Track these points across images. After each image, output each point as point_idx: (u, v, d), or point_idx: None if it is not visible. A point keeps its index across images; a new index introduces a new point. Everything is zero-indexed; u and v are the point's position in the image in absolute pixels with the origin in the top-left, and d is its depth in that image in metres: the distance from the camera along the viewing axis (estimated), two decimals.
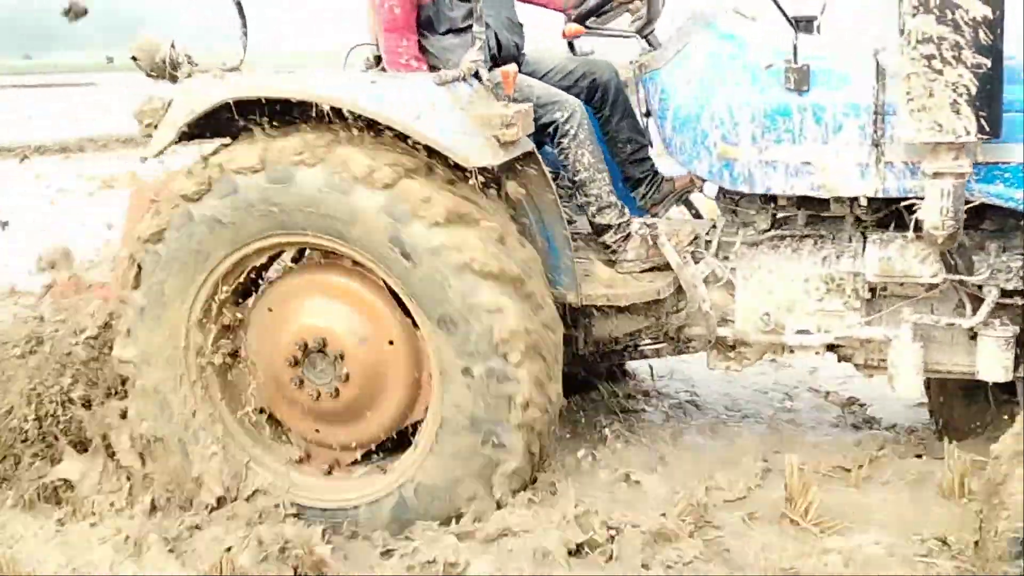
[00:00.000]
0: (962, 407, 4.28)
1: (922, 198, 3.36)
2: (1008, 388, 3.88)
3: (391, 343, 3.67)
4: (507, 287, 3.45)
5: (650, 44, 4.09)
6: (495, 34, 4.09)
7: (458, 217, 3.42)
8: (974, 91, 3.12)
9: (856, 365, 3.93)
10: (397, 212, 3.39)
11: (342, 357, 3.66)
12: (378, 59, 4.17)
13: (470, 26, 3.76)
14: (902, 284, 3.71)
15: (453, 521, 3.59)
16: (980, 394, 4.12)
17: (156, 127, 3.67)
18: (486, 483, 3.57)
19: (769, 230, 3.90)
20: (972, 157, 3.32)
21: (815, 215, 3.88)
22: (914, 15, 3.13)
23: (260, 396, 3.85)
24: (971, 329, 3.65)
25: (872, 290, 3.76)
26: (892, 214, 3.72)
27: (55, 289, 4.51)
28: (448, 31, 4.10)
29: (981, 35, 3.07)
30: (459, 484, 3.58)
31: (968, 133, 3.16)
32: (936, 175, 3.29)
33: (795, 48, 3.56)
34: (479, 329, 3.42)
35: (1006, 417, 3.75)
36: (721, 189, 3.96)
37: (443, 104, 3.51)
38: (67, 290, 4.44)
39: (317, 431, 3.84)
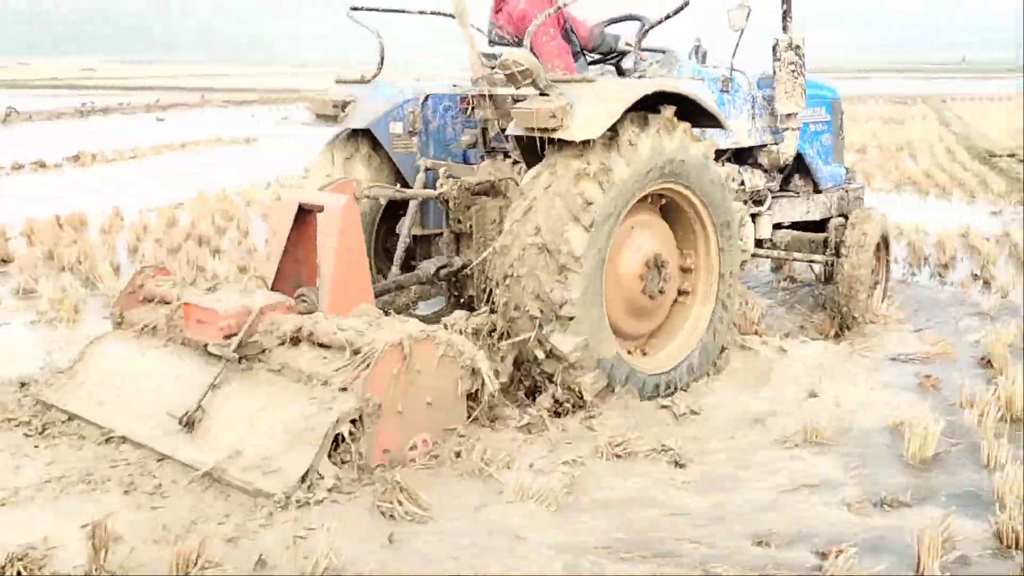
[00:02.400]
0: None
1: (776, 144, 6.59)
2: None
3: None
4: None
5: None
6: None
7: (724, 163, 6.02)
8: (804, 90, 6.36)
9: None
10: (708, 162, 5.33)
11: (664, 266, 5.30)
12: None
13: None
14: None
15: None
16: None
17: (566, 120, 4.71)
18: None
19: None
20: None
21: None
22: (785, 50, 6.25)
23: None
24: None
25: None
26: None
27: None
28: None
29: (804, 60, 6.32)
30: (716, 351, 5.64)
31: (801, 108, 6.40)
32: (791, 129, 6.52)
33: (730, 70, 6.33)
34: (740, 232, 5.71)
35: None
36: None
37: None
38: None
39: (638, 325, 5.40)
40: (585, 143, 4.76)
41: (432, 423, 4.44)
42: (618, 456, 4.45)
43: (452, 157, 6.16)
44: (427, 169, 5.92)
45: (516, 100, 5.36)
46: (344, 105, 5.82)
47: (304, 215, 5.15)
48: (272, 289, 5.10)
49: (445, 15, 6.17)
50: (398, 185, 5.93)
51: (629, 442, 4.53)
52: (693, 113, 5.25)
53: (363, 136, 5.98)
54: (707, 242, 5.56)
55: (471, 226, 5.61)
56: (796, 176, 7.05)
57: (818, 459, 4.47)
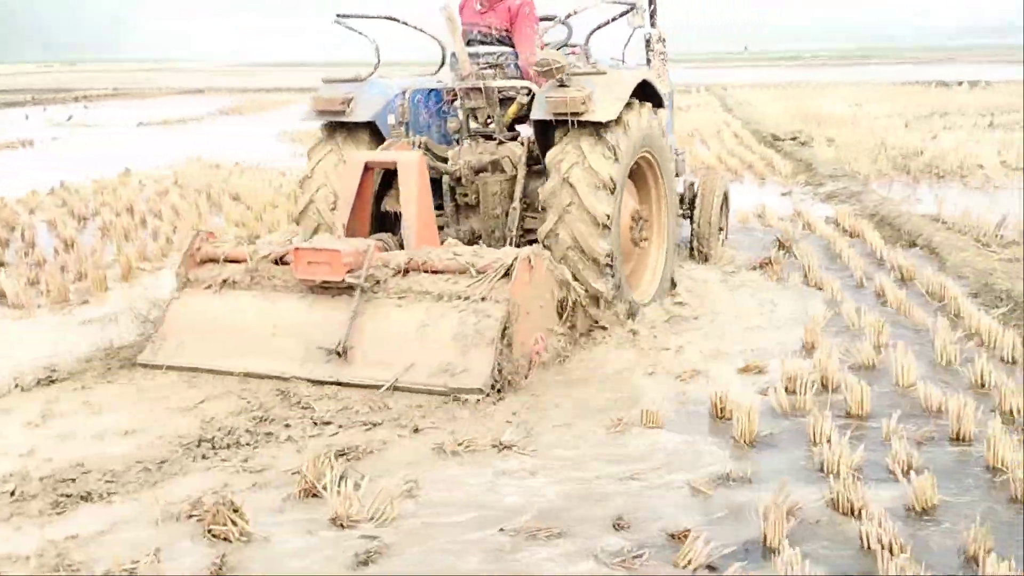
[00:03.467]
0: None
1: None
2: None
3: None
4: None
5: None
6: None
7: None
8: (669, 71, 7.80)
9: None
10: (661, 132, 6.74)
11: (643, 218, 6.70)
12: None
13: None
14: None
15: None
16: None
17: (590, 106, 5.89)
18: None
19: None
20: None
21: None
22: (657, 41, 7.68)
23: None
24: None
25: None
26: None
27: None
28: None
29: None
30: (668, 282, 7.04)
31: (669, 89, 7.71)
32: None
33: (622, 61, 7.88)
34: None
35: None
36: None
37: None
38: None
39: (627, 268, 6.51)
40: (599, 124, 5.95)
41: (542, 324, 5.49)
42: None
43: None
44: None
45: (501, 92, 6.68)
46: (348, 101, 6.55)
47: (365, 174, 6.16)
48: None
49: (420, 30, 7.10)
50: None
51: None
52: (645, 95, 6.53)
53: (363, 127, 6.71)
54: (659, 197, 6.93)
55: (476, 198, 6.59)
56: None
57: (657, 437, 4.53)
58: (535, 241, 6.10)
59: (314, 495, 3.93)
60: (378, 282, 5.45)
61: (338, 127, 6.74)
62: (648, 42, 7.60)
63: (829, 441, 4.31)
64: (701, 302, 6.94)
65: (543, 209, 6.09)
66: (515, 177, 6.53)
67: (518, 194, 6.47)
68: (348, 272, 5.40)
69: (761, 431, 4.55)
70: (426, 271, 5.49)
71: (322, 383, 5.19)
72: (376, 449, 4.45)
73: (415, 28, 7.01)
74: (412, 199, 5.96)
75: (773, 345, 5.87)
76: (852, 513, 3.74)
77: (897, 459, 4.13)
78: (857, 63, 66.04)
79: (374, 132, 6.73)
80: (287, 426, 4.74)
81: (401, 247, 5.92)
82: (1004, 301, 6.45)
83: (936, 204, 9.99)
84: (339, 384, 5.18)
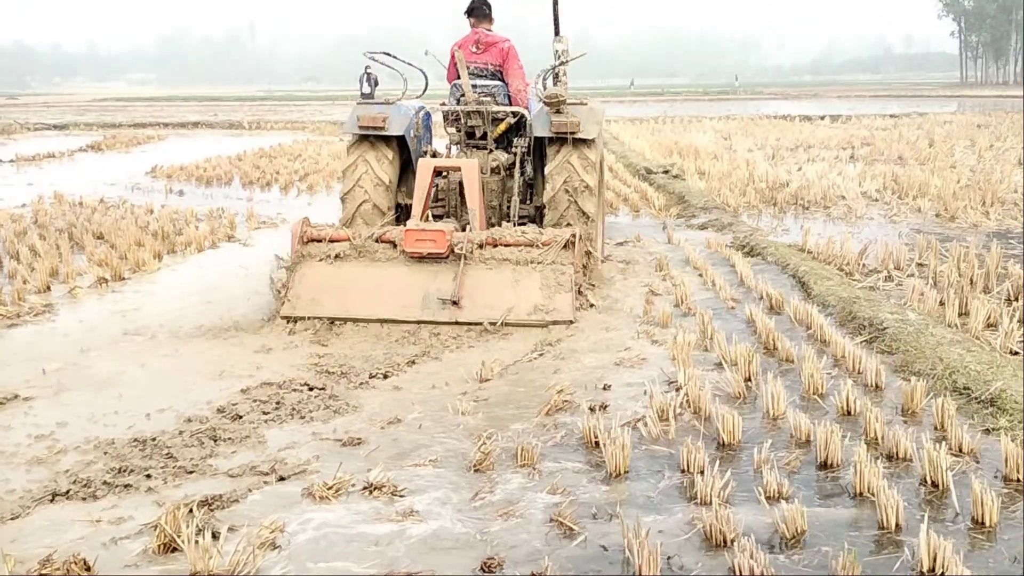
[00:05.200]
0: None
1: None
2: None
3: None
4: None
5: None
6: None
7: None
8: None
9: None
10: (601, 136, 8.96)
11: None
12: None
13: None
14: None
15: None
16: None
17: (581, 127, 8.09)
18: None
19: None
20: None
21: None
22: (564, 53, 8.69)
23: None
24: None
25: None
26: None
27: None
28: None
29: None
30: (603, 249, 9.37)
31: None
32: None
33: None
34: None
35: None
36: None
37: None
38: None
39: None
40: (584, 140, 8.18)
41: (580, 280, 7.65)
42: None
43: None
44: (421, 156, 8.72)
45: (493, 114, 8.69)
46: (384, 119, 8.35)
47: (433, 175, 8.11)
48: None
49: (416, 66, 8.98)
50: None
51: None
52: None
53: (392, 139, 8.56)
54: (601, 192, 8.97)
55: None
56: None
57: (515, 478, 4.47)
58: (525, 222, 8.49)
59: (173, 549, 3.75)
60: (464, 253, 7.32)
61: (371, 138, 8.51)
62: (556, 55, 8.78)
63: (702, 472, 4.33)
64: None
65: (545, 207, 8.32)
66: (509, 176, 8.74)
67: (516, 190, 8.62)
68: (449, 247, 7.31)
69: (633, 461, 4.55)
70: (501, 245, 7.47)
71: (445, 323, 7.10)
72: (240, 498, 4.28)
73: (409, 64, 8.88)
74: (475, 192, 8.00)
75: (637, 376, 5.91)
76: (724, 544, 3.75)
77: (768, 488, 4.17)
78: (718, 99, 67.96)
79: (399, 141, 8.63)
80: (147, 476, 4.52)
81: (462, 229, 7.85)
82: (866, 329, 6.63)
83: (802, 234, 10.29)
84: (458, 323, 7.08)
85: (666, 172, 17.02)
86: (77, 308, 7.98)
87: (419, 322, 7.14)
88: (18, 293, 8.12)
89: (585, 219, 8.17)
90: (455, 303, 7.14)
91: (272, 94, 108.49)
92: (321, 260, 7.49)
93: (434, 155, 8.71)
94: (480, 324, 7.03)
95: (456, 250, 7.35)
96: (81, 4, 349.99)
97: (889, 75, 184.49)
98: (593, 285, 8.14)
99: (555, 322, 7.04)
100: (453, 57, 8.80)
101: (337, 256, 7.50)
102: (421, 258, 7.39)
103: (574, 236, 7.45)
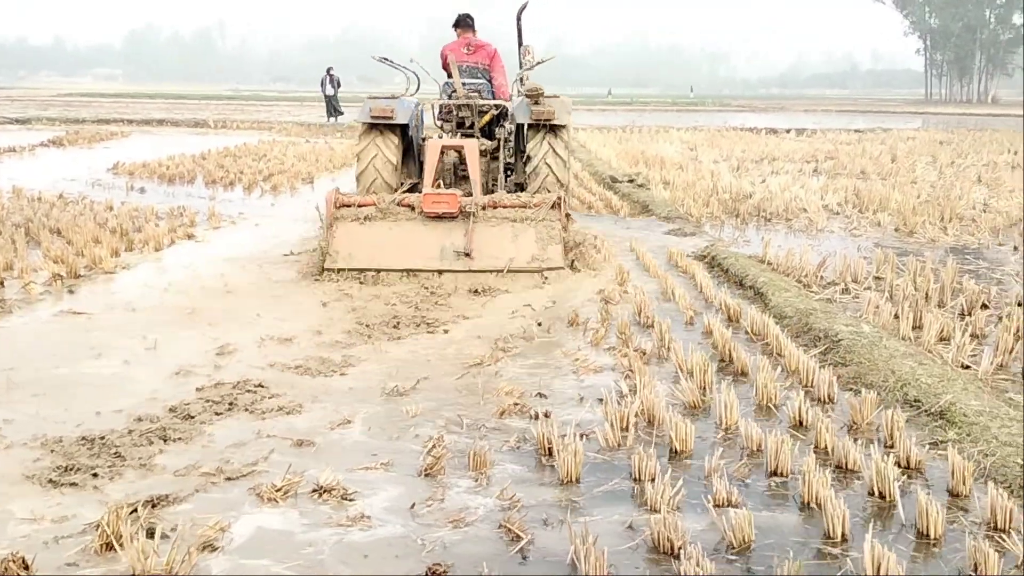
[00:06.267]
0: None
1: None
2: None
3: None
4: None
5: None
6: None
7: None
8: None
9: None
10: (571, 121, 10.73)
11: None
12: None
13: None
14: None
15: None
16: None
17: (556, 116, 9.95)
18: None
19: None
20: None
21: None
22: (530, 56, 10.81)
23: None
24: None
25: None
26: None
27: None
28: None
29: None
30: None
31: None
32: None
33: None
34: None
35: None
36: None
37: None
38: None
39: None
40: (559, 126, 10.07)
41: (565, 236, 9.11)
42: None
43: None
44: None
45: (480, 107, 10.48)
46: (392, 111, 10.11)
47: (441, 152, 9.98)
48: None
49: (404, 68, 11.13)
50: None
51: None
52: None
53: (397, 126, 10.37)
54: (568, 160, 10.41)
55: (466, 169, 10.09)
56: None
57: (461, 482, 4.46)
58: (516, 190, 10.31)
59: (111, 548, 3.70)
60: (473, 213, 8.82)
61: (380, 126, 10.28)
62: (522, 62, 10.76)
63: (653, 480, 4.34)
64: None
65: (528, 177, 10.20)
66: (493, 159, 10.69)
67: (502, 168, 10.72)
68: (459, 208, 8.79)
69: (585, 469, 4.55)
70: (500, 207, 8.97)
71: (461, 271, 8.62)
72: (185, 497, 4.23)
73: (401, 67, 11.03)
74: (476, 165, 9.87)
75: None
76: (671, 552, 3.76)
77: (717, 496, 4.18)
78: (686, 110, 68.38)
79: (402, 129, 10.48)
80: (94, 475, 4.46)
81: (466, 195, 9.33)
82: (821, 341, 6.68)
83: (762, 246, 10.36)
84: (471, 271, 8.61)
85: (631, 181, 17.08)
86: (32, 304, 7.86)
87: (439, 271, 8.66)
88: None
89: (560, 187, 9.96)
90: (467, 255, 8.64)
91: (240, 93, 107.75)
92: (353, 221, 8.90)
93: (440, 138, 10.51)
94: (489, 272, 8.60)
95: (465, 210, 8.80)
96: None
97: (856, 90, 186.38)
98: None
99: (549, 268, 8.66)
100: (445, 58, 10.61)
101: (367, 218, 8.90)
102: (437, 217, 8.81)
103: (559, 198, 8.99)
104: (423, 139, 10.73)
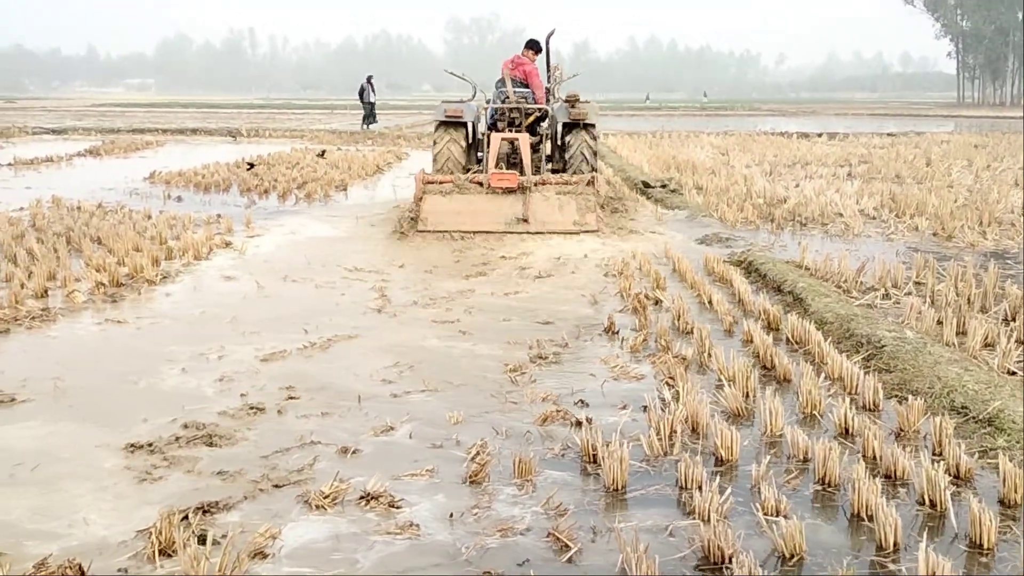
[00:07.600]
0: None
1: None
2: None
3: None
4: None
5: None
6: None
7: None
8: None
9: None
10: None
11: None
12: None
13: None
14: None
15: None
16: None
17: (589, 116, 13.27)
18: None
19: None
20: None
21: None
22: (554, 76, 14.34)
23: None
24: None
25: None
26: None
27: None
28: None
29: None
30: None
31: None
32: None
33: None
34: None
35: None
36: None
37: None
38: None
39: None
40: (590, 124, 13.14)
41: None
42: None
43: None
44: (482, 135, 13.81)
45: (526, 110, 13.31)
46: (461, 111, 13.25)
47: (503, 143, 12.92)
48: None
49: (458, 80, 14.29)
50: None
51: None
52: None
53: (464, 124, 13.61)
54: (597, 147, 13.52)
55: (518, 157, 12.84)
56: None
57: (507, 489, 4.46)
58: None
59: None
60: (528, 188, 11.65)
61: (450, 122, 13.38)
62: (550, 69, 13.88)
63: (700, 488, 4.32)
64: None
65: (567, 162, 13.21)
66: (534, 151, 13.29)
67: (544, 158, 13.67)
68: (518, 183, 11.58)
69: (632, 477, 4.54)
70: (548, 184, 11.79)
71: (521, 232, 11.38)
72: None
73: (462, 78, 14.08)
74: (527, 154, 12.60)
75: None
76: (722, 561, 3.74)
77: (766, 504, 4.16)
78: (716, 115, 68.11)
79: (467, 126, 13.68)
80: (142, 481, 4.49)
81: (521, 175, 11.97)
82: (864, 347, 6.63)
83: (799, 251, 10.29)
84: (528, 233, 11.37)
85: (664, 186, 17.04)
86: (76, 313, 7.95)
87: (505, 232, 11.41)
88: (16, 296, 8.09)
89: (592, 170, 12.79)
90: (525, 220, 11.52)
91: (271, 102, 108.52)
92: (437, 194, 11.65)
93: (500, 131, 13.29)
94: (542, 233, 11.34)
95: (523, 185, 11.62)
96: (81, 8, 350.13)
97: (886, 93, 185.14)
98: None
99: (586, 231, 11.44)
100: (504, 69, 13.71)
101: (447, 192, 11.67)
102: (501, 191, 11.60)
103: (594, 177, 11.92)
104: (482, 133, 13.63)
